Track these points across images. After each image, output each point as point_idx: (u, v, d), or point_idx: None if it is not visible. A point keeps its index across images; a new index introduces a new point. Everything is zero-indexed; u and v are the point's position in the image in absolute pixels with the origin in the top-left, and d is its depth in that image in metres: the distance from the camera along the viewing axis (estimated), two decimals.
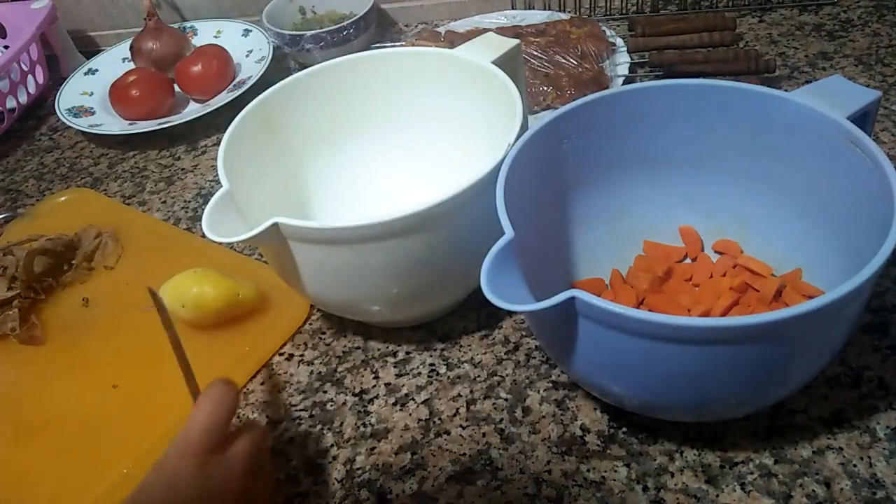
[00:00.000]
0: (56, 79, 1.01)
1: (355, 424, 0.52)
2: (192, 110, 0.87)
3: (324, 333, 0.59)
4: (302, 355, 0.58)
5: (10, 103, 0.93)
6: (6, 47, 0.96)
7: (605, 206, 0.55)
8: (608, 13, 0.93)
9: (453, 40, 0.82)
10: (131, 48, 0.95)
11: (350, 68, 0.60)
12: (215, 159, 0.58)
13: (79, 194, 0.80)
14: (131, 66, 0.95)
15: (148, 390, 0.56)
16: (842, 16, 0.86)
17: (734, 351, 0.37)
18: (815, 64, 0.78)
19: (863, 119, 0.45)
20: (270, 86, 0.58)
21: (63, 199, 0.79)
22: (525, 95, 0.58)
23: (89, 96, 0.93)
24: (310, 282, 0.50)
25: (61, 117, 0.88)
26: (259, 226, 0.45)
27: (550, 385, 0.52)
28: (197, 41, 0.98)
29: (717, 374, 0.39)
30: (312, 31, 0.88)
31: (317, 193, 0.64)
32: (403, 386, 0.54)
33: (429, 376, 0.54)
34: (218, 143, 0.66)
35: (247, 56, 0.93)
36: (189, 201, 0.77)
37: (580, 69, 0.77)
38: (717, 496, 0.44)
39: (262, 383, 0.56)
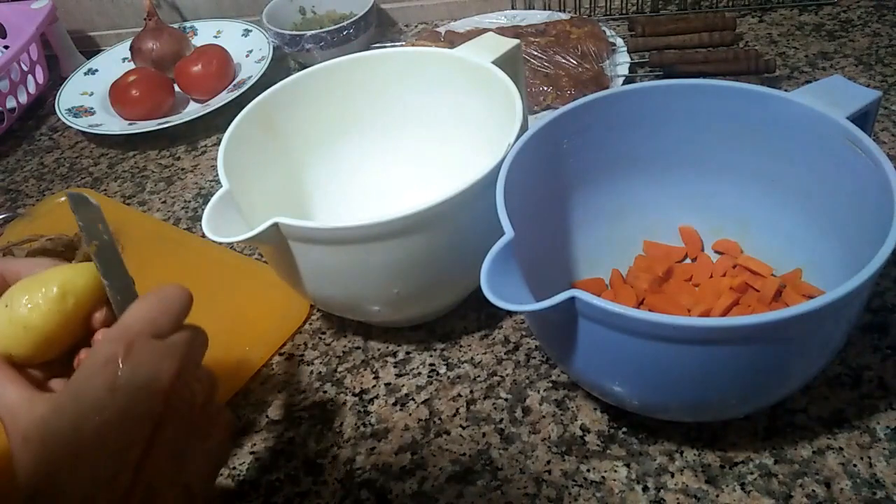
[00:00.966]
0: (56, 79, 1.01)
1: (355, 424, 0.52)
2: (192, 110, 0.87)
3: (324, 333, 0.59)
4: (302, 355, 0.58)
5: (10, 103, 0.93)
6: (6, 47, 0.96)
7: (605, 206, 0.55)
8: (608, 13, 0.93)
9: (453, 40, 0.82)
10: (131, 48, 0.94)
11: (350, 68, 0.60)
12: (215, 159, 0.58)
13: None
14: (131, 66, 0.95)
15: None
16: (842, 16, 0.86)
17: (734, 351, 0.37)
18: (815, 64, 0.78)
19: (863, 119, 0.45)
20: (270, 86, 0.58)
21: (63, 199, 0.79)
22: (525, 95, 0.58)
23: (89, 96, 0.93)
24: (310, 282, 0.50)
25: (61, 117, 0.88)
26: (259, 226, 0.45)
27: (550, 385, 0.52)
28: (197, 41, 0.98)
29: (717, 374, 0.39)
30: (312, 31, 0.88)
31: (317, 193, 0.64)
32: (403, 386, 0.54)
33: (429, 376, 0.54)
34: (218, 143, 0.66)
35: (247, 56, 0.93)
36: (189, 201, 0.77)
37: (580, 69, 0.77)
38: (717, 496, 0.44)
39: (262, 383, 0.56)
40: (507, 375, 0.53)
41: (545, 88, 0.76)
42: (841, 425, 0.46)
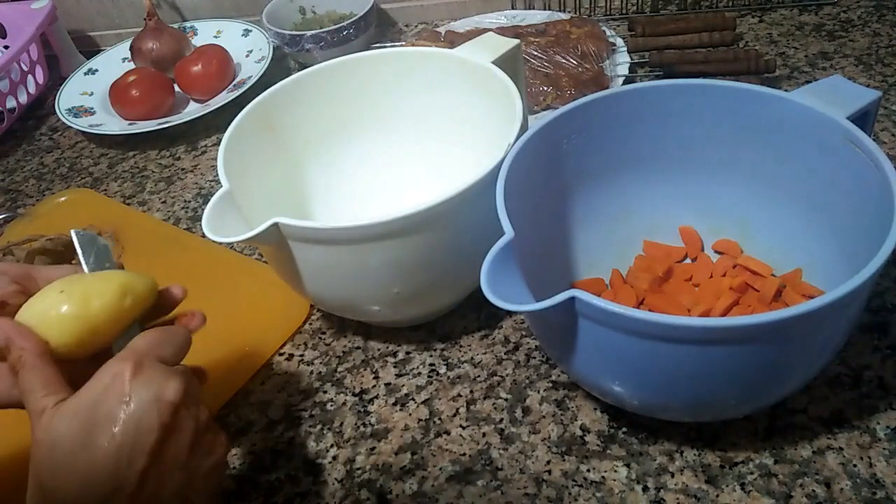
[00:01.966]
0: (56, 79, 1.01)
1: (355, 424, 0.52)
2: (192, 110, 0.87)
3: (324, 333, 0.59)
4: (302, 355, 0.58)
5: (10, 103, 0.93)
6: (6, 47, 0.96)
7: (605, 206, 0.55)
8: (608, 13, 0.93)
9: (453, 40, 0.82)
10: (131, 48, 0.95)
11: (350, 68, 0.60)
12: (215, 159, 0.58)
13: (79, 194, 0.80)
14: (131, 66, 0.95)
15: None
16: (842, 16, 0.86)
17: (734, 351, 0.37)
18: (815, 64, 0.78)
19: (863, 119, 0.45)
20: (270, 86, 0.58)
21: (63, 199, 0.79)
22: (525, 95, 0.58)
23: (89, 96, 0.93)
24: (310, 282, 0.50)
25: (61, 117, 0.88)
26: (259, 226, 0.45)
27: (550, 385, 0.52)
28: (197, 41, 0.98)
29: (717, 374, 0.39)
30: (312, 31, 0.88)
31: (317, 193, 0.64)
32: (403, 386, 0.54)
33: (429, 376, 0.54)
34: (218, 143, 0.66)
35: (247, 56, 0.93)
36: (189, 201, 0.77)
37: (580, 69, 0.77)
38: (717, 496, 0.44)
39: (262, 383, 0.56)
40: (507, 375, 0.53)
41: (545, 88, 0.76)
42: (841, 425, 0.46)
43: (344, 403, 0.53)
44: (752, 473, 0.45)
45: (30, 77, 0.97)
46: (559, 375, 0.52)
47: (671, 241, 0.56)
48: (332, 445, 0.51)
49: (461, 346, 0.56)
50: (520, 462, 0.48)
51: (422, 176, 0.63)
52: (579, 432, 0.48)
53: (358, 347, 0.57)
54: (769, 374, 0.39)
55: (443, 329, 0.57)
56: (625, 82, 0.77)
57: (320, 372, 0.56)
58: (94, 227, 0.71)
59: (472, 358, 0.55)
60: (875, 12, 0.85)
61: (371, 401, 0.53)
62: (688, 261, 0.56)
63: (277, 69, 0.94)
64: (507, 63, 0.55)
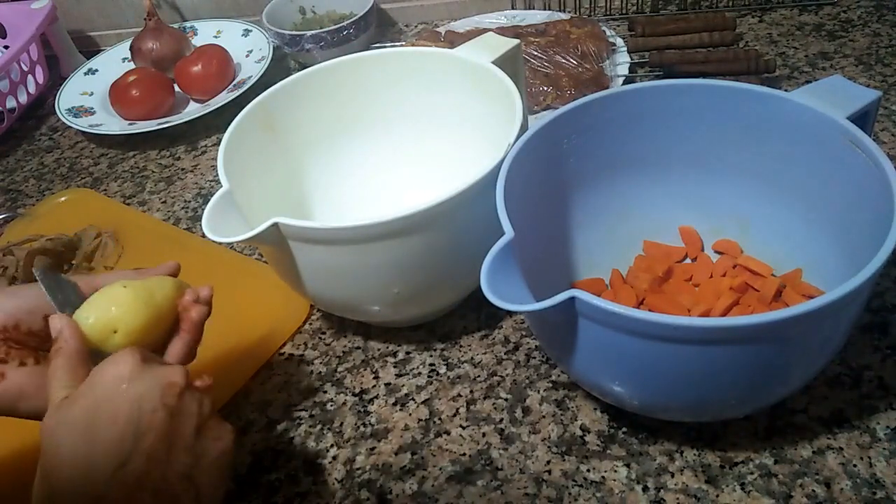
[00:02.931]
0: (56, 79, 1.01)
1: (355, 424, 0.52)
2: (192, 110, 0.87)
3: (324, 333, 0.59)
4: (302, 355, 0.58)
5: (10, 103, 0.93)
6: (6, 47, 0.96)
7: (605, 207, 0.55)
8: (608, 13, 0.93)
9: (453, 40, 0.82)
10: (131, 48, 0.95)
11: (350, 68, 0.60)
12: (215, 159, 0.58)
13: (79, 194, 0.80)
14: (131, 66, 0.95)
15: None
16: (842, 16, 0.86)
17: (734, 351, 0.37)
18: (815, 64, 0.78)
19: (863, 119, 0.45)
20: (270, 86, 0.58)
21: (63, 199, 0.79)
22: (525, 95, 0.58)
23: (89, 96, 0.93)
24: (310, 282, 0.50)
25: (61, 117, 0.88)
26: (259, 226, 0.45)
27: (550, 385, 0.52)
28: (197, 41, 0.98)
29: (717, 374, 0.39)
30: (312, 31, 0.88)
31: (317, 193, 0.64)
32: (403, 386, 0.54)
33: (429, 376, 0.54)
34: (218, 143, 0.66)
35: (247, 56, 0.93)
36: (189, 201, 0.77)
37: (580, 69, 0.77)
38: (717, 496, 0.44)
39: (262, 383, 0.56)
40: (507, 375, 0.53)
41: (545, 88, 0.76)
42: (841, 425, 0.46)
43: (344, 403, 0.53)
44: (752, 473, 0.45)
45: (30, 77, 0.97)
46: (559, 375, 0.52)
47: (671, 241, 0.56)
48: (332, 445, 0.51)
49: (461, 346, 0.56)
50: (520, 462, 0.48)
51: (422, 176, 0.63)
52: (579, 432, 0.48)
53: (358, 347, 0.57)
54: (769, 374, 0.39)
55: (443, 329, 0.57)
56: (625, 82, 0.77)
57: (320, 372, 0.56)
58: (95, 227, 0.71)
59: (472, 358, 0.55)
60: (875, 12, 0.85)
61: (371, 401, 0.53)
62: (688, 261, 0.56)
63: (277, 69, 0.94)
64: (507, 63, 0.55)
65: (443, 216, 0.46)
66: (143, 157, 0.86)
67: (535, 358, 0.54)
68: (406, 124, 0.63)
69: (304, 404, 0.54)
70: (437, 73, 0.59)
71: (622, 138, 0.53)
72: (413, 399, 0.53)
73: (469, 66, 0.56)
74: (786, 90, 0.53)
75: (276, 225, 0.45)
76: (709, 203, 0.55)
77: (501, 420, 0.50)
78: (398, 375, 0.55)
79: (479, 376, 0.53)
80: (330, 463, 0.50)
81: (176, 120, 0.85)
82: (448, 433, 0.50)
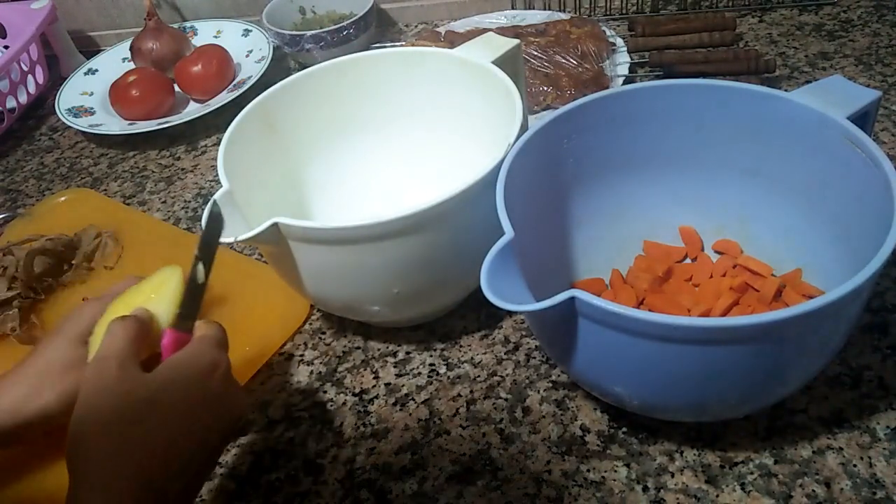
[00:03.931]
0: (56, 79, 1.01)
1: (355, 424, 0.52)
2: (192, 110, 0.87)
3: (324, 333, 0.59)
4: (302, 355, 0.58)
5: (10, 103, 0.93)
6: (6, 47, 0.96)
7: (605, 206, 0.55)
8: (608, 13, 0.93)
9: (453, 40, 0.82)
10: (131, 48, 0.95)
11: (350, 68, 0.60)
12: (215, 159, 0.58)
13: (79, 194, 0.80)
14: (131, 66, 0.95)
15: None
16: (842, 16, 0.86)
17: (734, 351, 0.37)
18: (815, 64, 0.78)
19: (863, 119, 0.45)
20: (270, 86, 0.58)
21: (63, 199, 0.79)
22: (525, 95, 0.58)
23: (89, 96, 0.93)
24: (310, 282, 0.50)
25: (61, 117, 0.88)
26: (259, 226, 0.45)
27: (550, 385, 0.52)
28: (197, 41, 0.98)
29: (717, 374, 0.39)
30: (312, 31, 0.88)
31: (317, 193, 0.64)
32: (403, 386, 0.54)
33: (429, 376, 0.54)
34: (218, 143, 0.66)
35: (247, 56, 0.93)
36: (189, 201, 0.77)
37: (580, 69, 0.77)
38: (717, 496, 0.44)
39: (262, 383, 0.56)
40: (507, 375, 0.53)
41: (545, 88, 0.76)
42: (841, 425, 0.46)
43: (344, 403, 0.53)
44: (752, 473, 0.45)
45: (30, 77, 0.97)
46: (559, 375, 0.52)
47: (671, 241, 0.56)
48: (332, 445, 0.51)
49: (461, 346, 0.56)
50: (520, 462, 0.48)
51: (422, 176, 0.63)
52: (579, 432, 0.48)
53: (358, 347, 0.57)
54: (769, 374, 0.39)
55: (443, 329, 0.57)
56: (625, 82, 0.77)
57: (320, 372, 0.56)
58: (95, 227, 0.71)
59: (472, 358, 0.55)
60: (875, 12, 0.85)
61: (371, 401, 0.53)
62: (688, 261, 0.56)
63: (277, 69, 0.94)
64: (507, 63, 0.55)
65: (443, 216, 0.46)
66: (143, 157, 0.86)
67: (535, 358, 0.54)
68: (406, 124, 0.63)
69: (303, 404, 0.54)
70: (437, 73, 0.59)
71: (622, 138, 0.53)
72: (413, 399, 0.53)
73: (469, 66, 0.56)
74: (786, 90, 0.53)
75: (276, 225, 0.45)
76: (709, 203, 0.55)
77: (501, 420, 0.50)
78: (398, 375, 0.55)
79: (479, 376, 0.53)
80: (330, 463, 0.50)
81: (176, 120, 0.85)
82: (448, 433, 0.50)
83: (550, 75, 0.77)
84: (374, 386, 0.54)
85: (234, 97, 0.85)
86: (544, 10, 0.93)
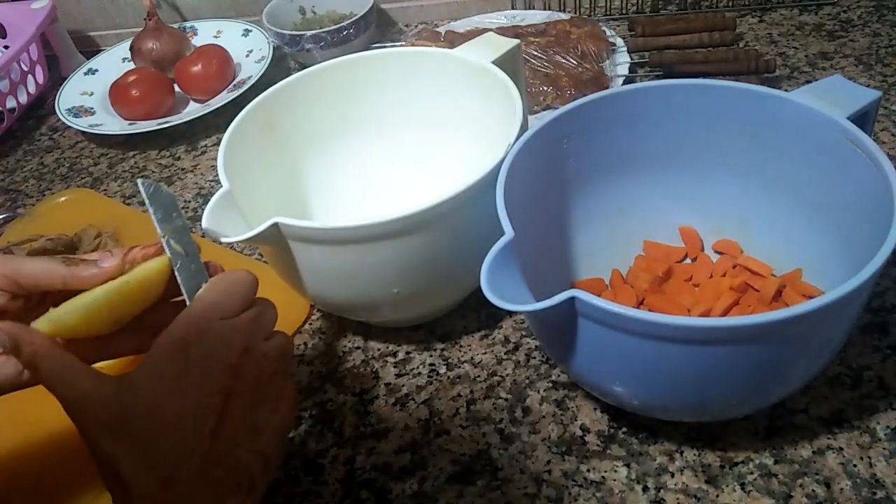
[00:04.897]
0: (56, 79, 1.01)
1: (355, 424, 0.52)
2: (192, 110, 0.87)
3: (324, 333, 0.59)
4: (302, 355, 0.58)
5: (10, 103, 0.93)
6: (6, 47, 0.96)
7: (605, 206, 0.55)
8: (608, 13, 0.93)
9: (453, 40, 0.82)
10: (131, 48, 0.95)
11: (350, 68, 0.60)
12: (215, 159, 0.58)
13: (79, 194, 0.80)
14: (131, 66, 0.95)
15: None
16: (842, 16, 0.86)
17: (734, 351, 0.37)
18: (815, 64, 0.78)
19: (863, 119, 0.45)
20: (270, 86, 0.58)
21: (63, 199, 0.79)
22: (525, 95, 0.58)
23: (89, 96, 0.93)
24: (310, 282, 0.50)
25: (61, 117, 0.88)
26: (259, 226, 0.45)
27: (550, 385, 0.52)
28: (197, 41, 0.98)
29: (717, 374, 0.39)
30: (312, 31, 0.88)
31: (317, 193, 0.64)
32: (403, 386, 0.54)
33: (429, 376, 0.54)
34: (218, 143, 0.66)
35: (247, 56, 0.93)
36: (189, 201, 0.77)
37: (580, 69, 0.77)
38: (717, 496, 0.44)
39: None
40: (507, 375, 0.53)
41: (545, 88, 0.76)
42: (841, 425, 0.46)
43: (344, 403, 0.53)
44: (752, 473, 0.45)
45: (30, 77, 0.97)
46: (559, 375, 0.52)
47: (671, 241, 0.56)
48: (332, 445, 0.51)
49: (461, 346, 0.56)
50: (520, 462, 0.48)
51: (422, 176, 0.63)
52: (579, 432, 0.49)
53: (358, 347, 0.57)
54: (769, 374, 0.39)
55: (443, 329, 0.57)
56: (625, 82, 0.77)
57: (320, 372, 0.56)
58: (95, 227, 0.71)
59: (472, 358, 0.55)
60: (875, 12, 0.85)
61: (371, 401, 0.53)
62: (688, 261, 0.56)
63: (277, 69, 0.94)
64: (507, 63, 0.55)
65: (443, 216, 0.46)
66: (143, 157, 0.86)
67: (535, 358, 0.54)
68: (406, 124, 0.63)
69: (304, 404, 0.54)
70: (437, 73, 0.59)
71: (622, 138, 0.53)
72: (413, 399, 0.53)
73: (469, 66, 0.56)
74: (786, 90, 0.53)
75: (276, 225, 0.45)
76: (709, 203, 0.55)
77: (501, 420, 0.50)
78: (398, 375, 0.55)
79: (479, 376, 0.53)
80: (330, 463, 0.50)
81: (176, 120, 0.85)
82: (448, 433, 0.50)
83: (550, 75, 0.77)
84: (374, 386, 0.54)
85: (234, 97, 0.85)
86: (544, 10, 0.93)
